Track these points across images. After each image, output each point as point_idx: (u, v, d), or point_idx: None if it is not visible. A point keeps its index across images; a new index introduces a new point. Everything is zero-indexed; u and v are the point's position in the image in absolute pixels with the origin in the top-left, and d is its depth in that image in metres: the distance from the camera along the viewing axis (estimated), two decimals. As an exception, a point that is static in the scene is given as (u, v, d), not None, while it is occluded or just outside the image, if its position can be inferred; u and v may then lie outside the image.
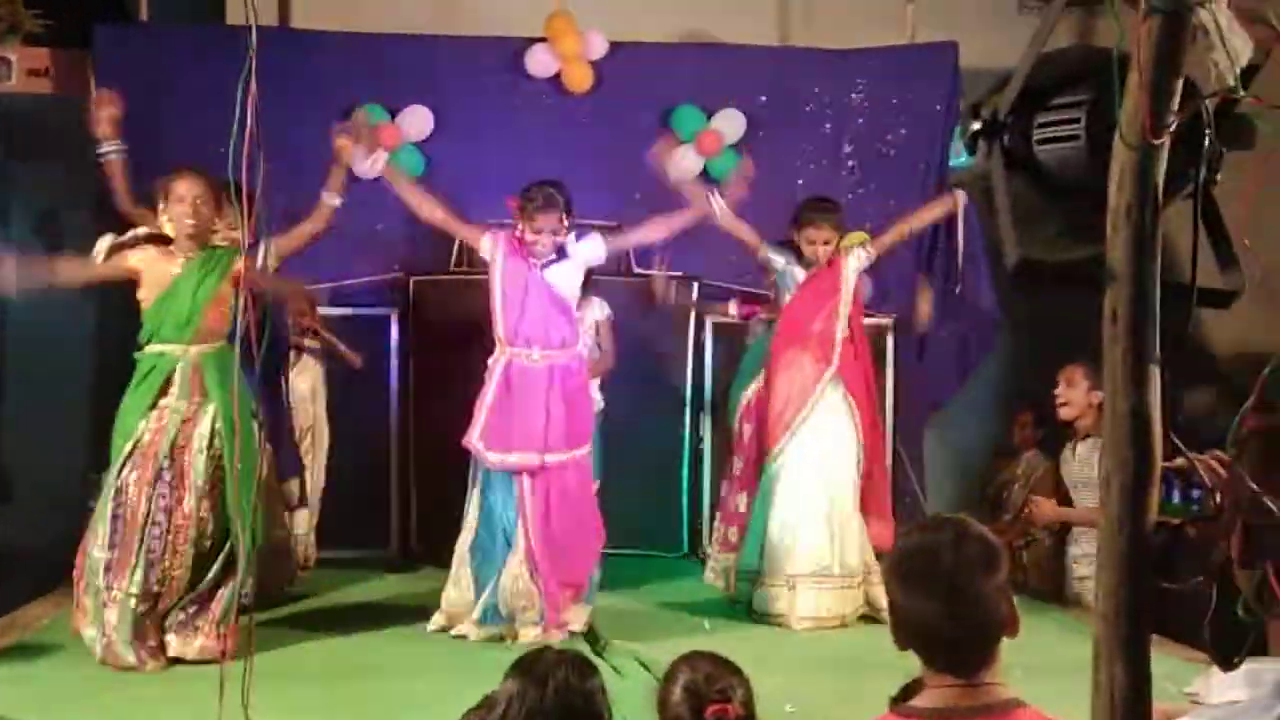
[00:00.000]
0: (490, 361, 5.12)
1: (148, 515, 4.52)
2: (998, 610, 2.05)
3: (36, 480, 6.73)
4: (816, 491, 5.44)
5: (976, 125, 2.01)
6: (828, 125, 7.04)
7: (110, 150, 5.26)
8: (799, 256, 5.62)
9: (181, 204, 4.72)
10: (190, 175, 4.75)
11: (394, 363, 6.70)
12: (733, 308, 6.38)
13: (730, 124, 6.95)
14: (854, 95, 7.04)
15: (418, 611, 5.21)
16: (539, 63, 6.85)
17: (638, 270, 6.68)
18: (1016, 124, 2.00)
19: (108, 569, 4.51)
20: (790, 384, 5.50)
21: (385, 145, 6.74)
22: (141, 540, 4.51)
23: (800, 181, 7.00)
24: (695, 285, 6.82)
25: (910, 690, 2.37)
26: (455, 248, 6.58)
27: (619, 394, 6.17)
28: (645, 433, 6.37)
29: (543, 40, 6.79)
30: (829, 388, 5.49)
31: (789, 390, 5.50)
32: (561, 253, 5.12)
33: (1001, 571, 2.06)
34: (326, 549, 6.19)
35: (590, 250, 5.23)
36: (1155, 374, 1.91)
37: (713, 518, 6.57)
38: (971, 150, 2.01)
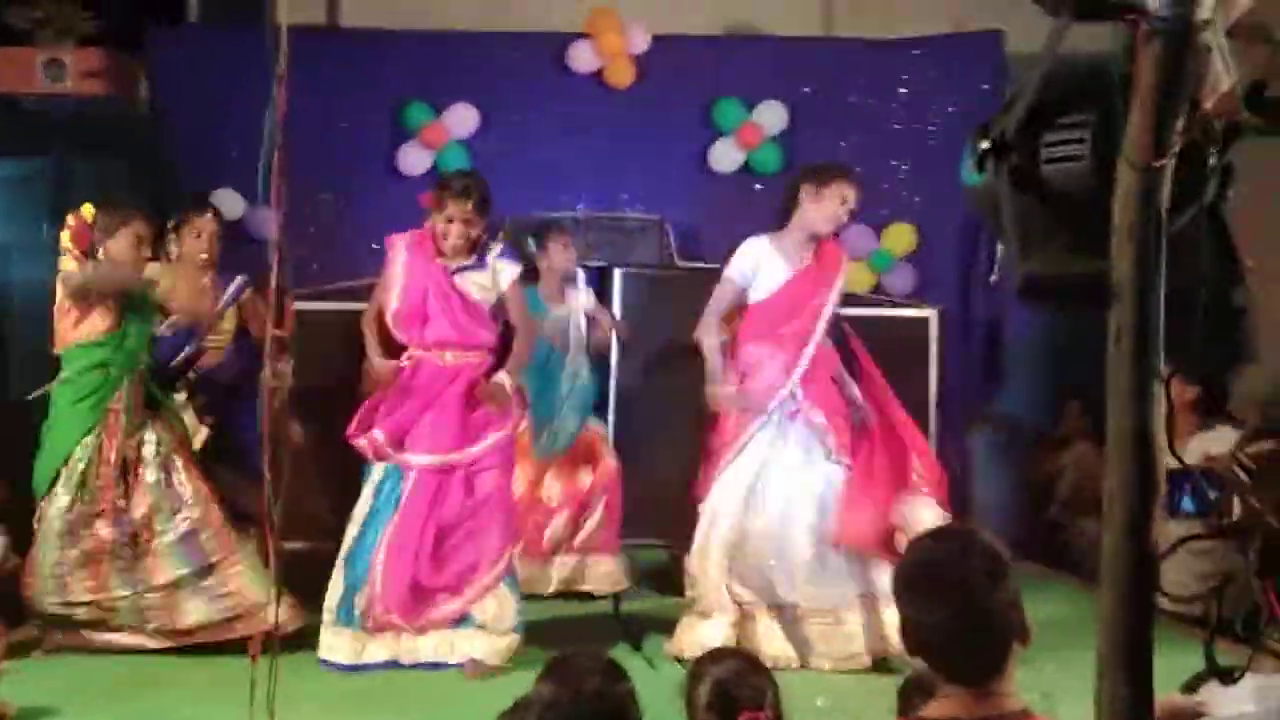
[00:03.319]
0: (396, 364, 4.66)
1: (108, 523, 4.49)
2: (1006, 621, 2.06)
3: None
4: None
5: (985, 145, 2.03)
6: (872, 116, 7.03)
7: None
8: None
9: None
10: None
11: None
12: None
13: (772, 116, 6.96)
14: (898, 86, 7.02)
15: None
16: (581, 59, 6.90)
17: (680, 263, 6.70)
18: (1023, 143, 2.01)
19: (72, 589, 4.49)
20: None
21: (430, 143, 6.82)
22: (113, 554, 4.48)
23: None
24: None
25: (913, 689, 2.40)
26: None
27: (648, 385, 6.21)
28: (675, 426, 6.24)
29: (585, 36, 6.84)
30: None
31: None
32: (480, 262, 4.64)
33: (1009, 582, 2.08)
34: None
35: (507, 276, 4.65)
36: (1159, 392, 1.93)
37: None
38: (980, 169, 2.03)
